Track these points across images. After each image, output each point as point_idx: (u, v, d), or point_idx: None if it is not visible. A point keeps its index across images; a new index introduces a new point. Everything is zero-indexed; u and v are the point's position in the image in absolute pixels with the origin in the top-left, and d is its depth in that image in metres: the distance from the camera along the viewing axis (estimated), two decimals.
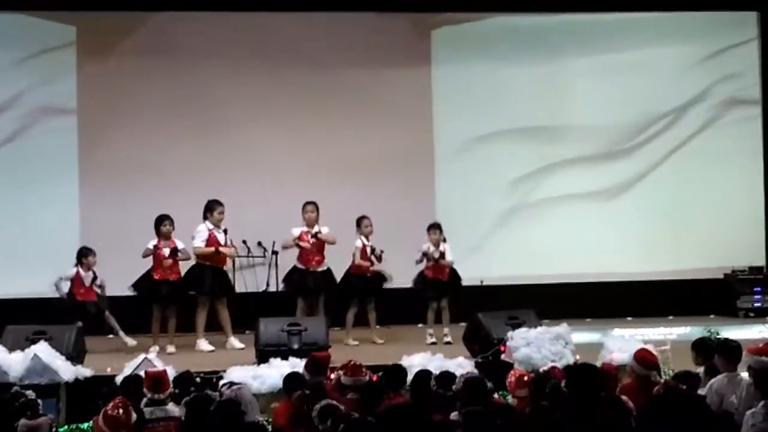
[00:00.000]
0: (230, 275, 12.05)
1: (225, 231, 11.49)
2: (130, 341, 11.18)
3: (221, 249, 11.38)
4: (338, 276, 11.87)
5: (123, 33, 13.59)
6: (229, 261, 11.93)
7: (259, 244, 13.04)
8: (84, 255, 11.40)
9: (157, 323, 11.36)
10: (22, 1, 13.25)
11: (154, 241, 11.31)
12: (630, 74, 14.26)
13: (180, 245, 11.35)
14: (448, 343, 11.35)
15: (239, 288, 12.43)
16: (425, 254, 11.75)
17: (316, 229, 11.68)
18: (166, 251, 11.28)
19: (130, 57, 13.56)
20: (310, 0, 13.73)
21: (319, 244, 11.70)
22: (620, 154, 14.34)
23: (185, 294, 11.44)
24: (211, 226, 11.44)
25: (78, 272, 11.31)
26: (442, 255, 11.78)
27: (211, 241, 11.41)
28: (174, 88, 13.60)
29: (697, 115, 14.45)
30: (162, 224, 11.37)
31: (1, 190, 13.28)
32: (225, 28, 13.69)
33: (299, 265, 11.77)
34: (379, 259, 11.79)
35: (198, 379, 8.53)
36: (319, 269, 11.74)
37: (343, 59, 13.85)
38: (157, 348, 11.01)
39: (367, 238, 11.87)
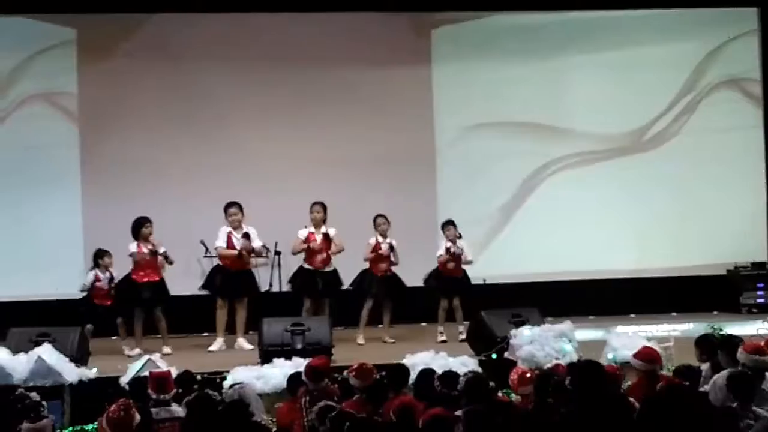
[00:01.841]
0: None
1: (246, 235, 11.50)
2: (129, 351, 11.19)
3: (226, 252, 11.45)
4: (346, 274, 11.91)
5: (123, 35, 13.58)
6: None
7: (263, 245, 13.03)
8: (100, 257, 11.36)
9: (140, 326, 11.35)
10: (21, 4, 13.22)
11: (134, 246, 11.30)
12: (631, 71, 14.24)
13: (161, 249, 11.33)
14: (464, 340, 11.23)
15: None
16: (449, 251, 11.76)
17: (323, 229, 11.71)
18: (145, 250, 11.28)
19: (130, 58, 13.55)
20: (310, 0, 13.72)
21: (327, 244, 11.73)
22: (622, 151, 14.33)
23: (167, 295, 11.46)
24: (229, 229, 11.49)
25: (96, 276, 11.29)
26: (461, 254, 11.83)
27: (228, 243, 11.48)
28: (174, 89, 13.61)
29: (699, 111, 14.43)
30: (143, 226, 11.33)
31: (4, 193, 13.27)
32: (224, 29, 13.68)
33: (306, 266, 11.79)
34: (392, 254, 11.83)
35: (199, 377, 8.53)
36: (327, 269, 11.76)
37: (344, 59, 13.85)
38: (137, 350, 11.02)
39: (383, 236, 11.89)
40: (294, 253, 11.90)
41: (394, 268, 11.96)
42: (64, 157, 13.45)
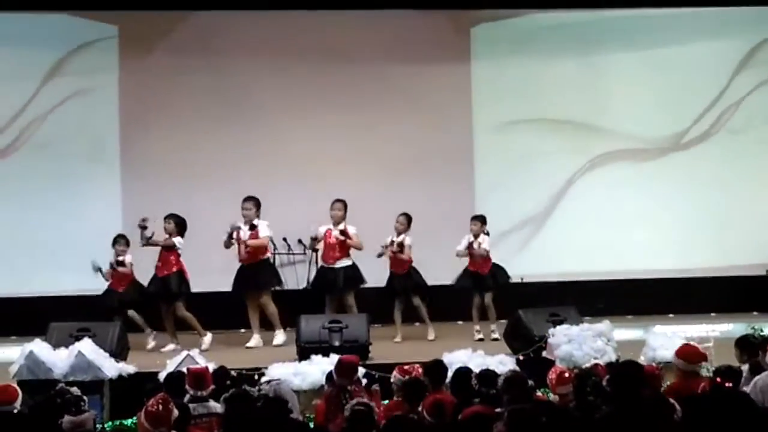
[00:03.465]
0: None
1: (252, 226, 11.55)
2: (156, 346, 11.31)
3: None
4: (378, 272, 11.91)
5: (164, 32, 13.69)
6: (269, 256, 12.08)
7: (300, 241, 13.03)
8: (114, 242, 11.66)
9: (170, 320, 11.52)
10: (64, 1, 13.38)
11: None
12: (671, 69, 14.14)
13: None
14: (496, 339, 11.27)
15: None
16: (470, 246, 11.70)
17: (342, 226, 11.70)
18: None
19: (170, 56, 13.65)
20: None
21: (341, 242, 11.70)
22: (661, 150, 14.22)
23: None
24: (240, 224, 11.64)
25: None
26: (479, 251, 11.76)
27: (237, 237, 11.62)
28: (213, 87, 13.67)
29: (739, 109, 14.29)
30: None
31: (45, 187, 13.38)
32: (264, 27, 13.74)
33: (322, 263, 11.88)
34: (400, 247, 11.70)
35: (234, 373, 8.55)
36: (338, 265, 11.72)
37: (382, 57, 13.85)
38: (172, 345, 11.21)
39: (397, 234, 11.86)
40: (311, 249, 12.04)
41: (415, 265, 11.90)
42: (105, 153, 13.58)
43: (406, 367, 7.88)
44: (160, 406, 6.44)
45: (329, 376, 8.15)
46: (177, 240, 11.44)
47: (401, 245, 11.71)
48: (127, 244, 11.64)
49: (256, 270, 11.65)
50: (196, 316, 11.44)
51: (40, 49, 13.49)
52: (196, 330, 11.43)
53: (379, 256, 11.73)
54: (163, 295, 11.46)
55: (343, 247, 11.73)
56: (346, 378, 7.79)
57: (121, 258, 11.57)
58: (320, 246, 11.90)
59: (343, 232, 11.68)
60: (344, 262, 11.74)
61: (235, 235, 11.47)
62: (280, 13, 13.72)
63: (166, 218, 11.51)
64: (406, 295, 11.87)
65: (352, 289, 11.72)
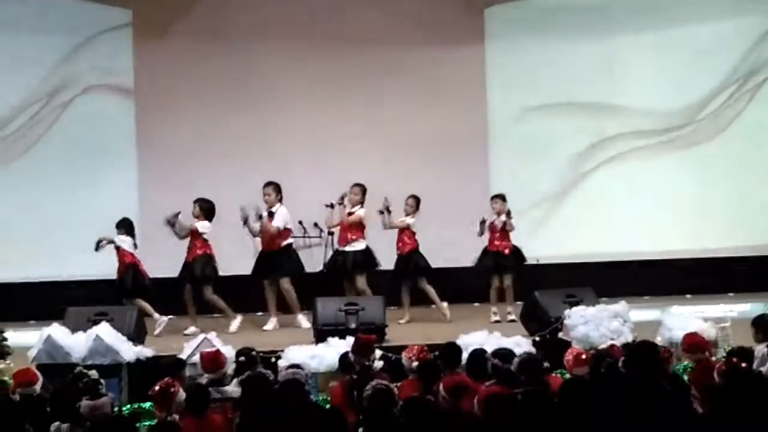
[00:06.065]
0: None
1: (270, 213, 11.61)
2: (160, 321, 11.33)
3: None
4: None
5: (178, 14, 13.68)
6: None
7: (315, 224, 13.05)
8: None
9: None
10: None
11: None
12: (688, 49, 14.07)
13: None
14: (513, 321, 11.27)
15: None
16: (483, 222, 11.67)
17: (356, 210, 11.75)
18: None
19: (185, 38, 13.64)
20: None
21: (352, 224, 11.75)
22: (677, 129, 14.16)
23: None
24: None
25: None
26: (504, 224, 11.72)
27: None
28: (229, 69, 13.67)
29: (758, 88, 14.22)
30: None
31: (62, 174, 13.45)
32: (279, 8, 13.72)
33: (336, 246, 11.95)
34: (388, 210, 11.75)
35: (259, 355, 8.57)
36: (349, 248, 11.77)
37: (397, 38, 13.82)
38: (193, 328, 11.20)
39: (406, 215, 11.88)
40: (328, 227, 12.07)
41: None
42: (121, 138, 13.60)
43: (415, 349, 7.86)
44: (164, 389, 6.49)
45: (342, 358, 8.17)
46: (200, 225, 11.44)
47: (387, 209, 11.72)
48: (126, 229, 11.57)
49: (274, 256, 11.69)
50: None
51: (54, 34, 13.51)
52: (225, 313, 11.50)
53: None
54: (187, 279, 11.48)
55: (356, 229, 11.77)
56: (363, 356, 7.81)
57: (116, 243, 11.51)
58: (336, 229, 11.90)
59: (350, 214, 11.73)
60: (356, 246, 11.77)
61: (251, 219, 11.52)
62: None
63: (194, 202, 11.54)
64: (410, 277, 11.88)
65: (361, 273, 11.74)
